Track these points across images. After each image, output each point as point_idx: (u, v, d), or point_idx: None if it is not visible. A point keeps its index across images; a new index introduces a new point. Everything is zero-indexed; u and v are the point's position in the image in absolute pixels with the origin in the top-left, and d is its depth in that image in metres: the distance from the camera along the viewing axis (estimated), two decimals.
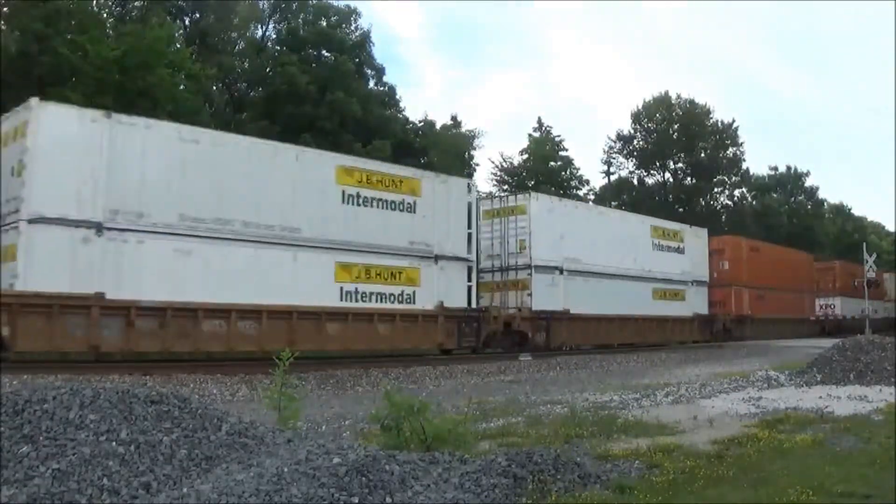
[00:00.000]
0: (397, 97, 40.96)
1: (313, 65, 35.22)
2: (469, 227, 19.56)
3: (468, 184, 20.55)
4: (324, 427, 8.45)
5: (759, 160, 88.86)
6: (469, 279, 19.43)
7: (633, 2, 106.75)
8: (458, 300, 19.03)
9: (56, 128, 13.10)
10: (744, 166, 60.19)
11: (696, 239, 29.47)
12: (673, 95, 58.52)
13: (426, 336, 18.33)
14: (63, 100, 18.62)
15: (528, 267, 21.66)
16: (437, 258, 18.55)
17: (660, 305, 26.48)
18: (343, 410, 10.14)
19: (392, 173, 18.31)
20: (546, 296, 21.70)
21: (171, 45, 27.18)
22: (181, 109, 25.40)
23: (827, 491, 4.99)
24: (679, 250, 28.03)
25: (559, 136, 54.48)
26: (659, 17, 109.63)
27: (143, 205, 13.85)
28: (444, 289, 18.66)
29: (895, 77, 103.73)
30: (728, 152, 58.70)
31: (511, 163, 52.94)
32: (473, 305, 19.51)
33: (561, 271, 22.41)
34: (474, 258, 19.64)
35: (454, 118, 46.85)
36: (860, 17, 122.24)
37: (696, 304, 28.53)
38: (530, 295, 21.51)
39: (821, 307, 44.15)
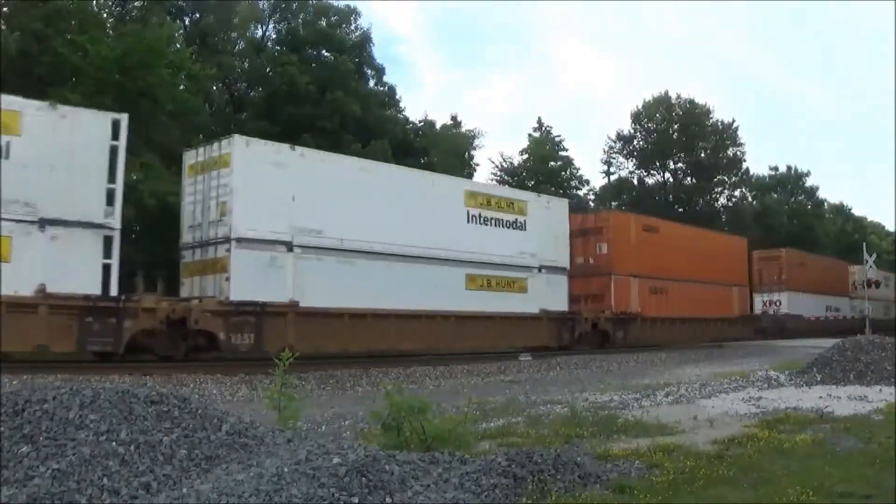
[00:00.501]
0: (397, 97, 41.00)
1: (313, 65, 35.21)
2: (112, 180, 14.36)
3: (114, 121, 14.56)
4: (324, 427, 8.46)
5: (759, 160, 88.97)
6: (108, 255, 14.24)
7: (633, 2, 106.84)
8: (82, 284, 13.79)
9: None
10: (744, 166, 60.18)
11: (546, 212, 22.66)
12: (673, 95, 58.49)
13: (18, 335, 12.71)
14: (62, 100, 18.63)
15: (228, 240, 15.64)
16: (42, 223, 13.50)
17: (481, 298, 19.89)
18: (343, 410, 10.16)
19: None
20: (260, 281, 15.79)
21: (171, 45, 27.16)
22: (181, 109, 25.40)
23: (827, 491, 4.99)
24: (517, 225, 21.35)
25: (559, 136, 54.50)
26: (659, 17, 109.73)
27: None
28: (53, 268, 13.42)
29: (895, 77, 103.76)
30: (728, 152, 58.64)
31: (511, 163, 52.94)
32: (113, 293, 14.20)
33: (290, 247, 16.27)
34: (117, 223, 14.39)
35: (454, 118, 46.87)
36: (860, 17, 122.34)
37: (546, 297, 21.81)
38: (228, 279, 15.57)
39: (764, 304, 38.01)
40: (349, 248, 17.20)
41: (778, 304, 38.15)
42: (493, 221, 20.79)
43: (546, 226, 22.31)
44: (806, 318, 38.12)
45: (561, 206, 24.13)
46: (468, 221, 20.10)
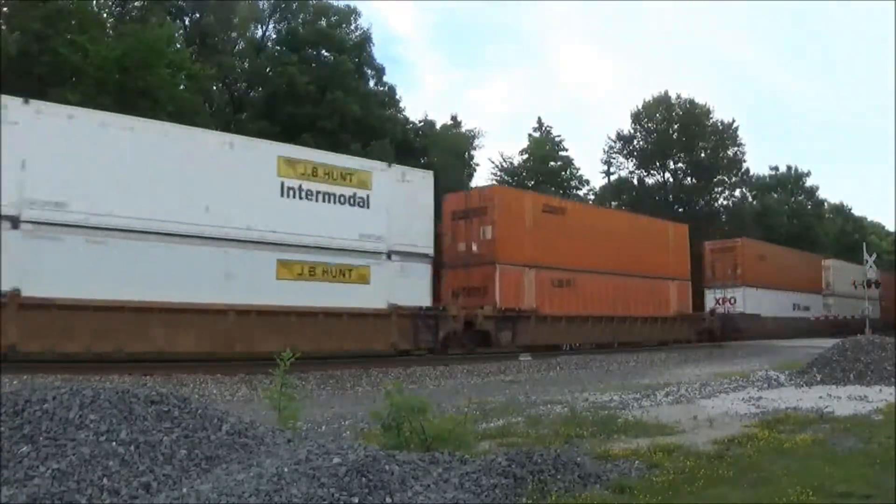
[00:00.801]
0: (397, 97, 41.06)
1: (313, 65, 35.25)
2: None
3: None
4: (324, 427, 8.46)
5: (759, 160, 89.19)
6: None
7: (633, 2, 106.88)
8: None
9: None
10: (744, 166, 60.20)
11: (402, 186, 18.48)
12: (673, 95, 58.48)
13: None
14: (63, 100, 18.66)
15: None
16: None
17: (301, 289, 16.33)
18: (343, 410, 10.15)
19: None
20: None
21: (171, 45, 27.21)
22: (181, 109, 25.43)
23: (827, 491, 4.99)
24: (357, 201, 17.52)
25: (559, 136, 54.60)
26: (659, 17, 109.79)
27: None
28: None
29: (895, 77, 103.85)
30: (728, 152, 58.66)
31: (511, 163, 52.99)
32: None
33: (15, 223, 13.21)
34: None
35: (454, 118, 47.03)
36: (860, 17, 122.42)
37: (398, 289, 18.00)
38: None
39: (716, 301, 33.88)
40: (104, 225, 13.91)
41: (732, 301, 33.70)
42: (320, 196, 16.94)
43: (401, 203, 18.27)
44: (765, 318, 33.76)
45: (422, 179, 19.43)
46: (284, 195, 16.41)
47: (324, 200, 17.02)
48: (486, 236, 21.10)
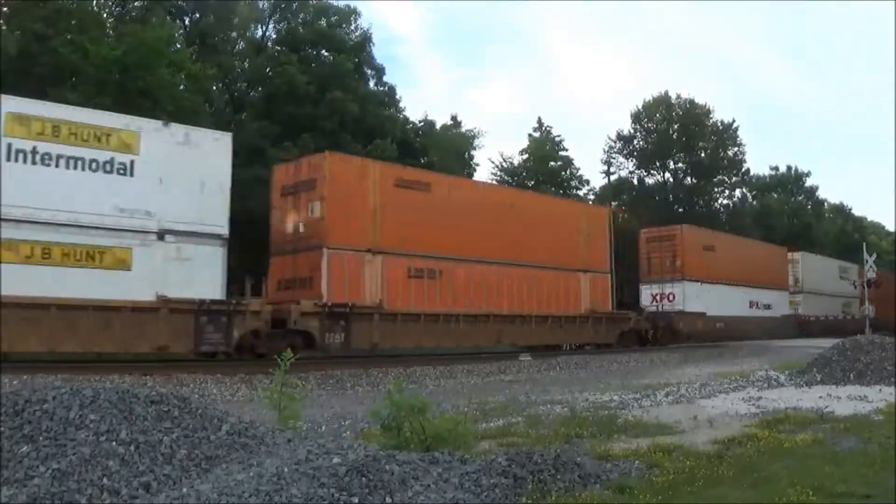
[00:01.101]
0: (397, 97, 41.01)
1: (313, 65, 35.23)
2: None
3: None
4: (324, 427, 8.46)
5: (759, 160, 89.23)
6: None
7: (632, 2, 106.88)
8: None
9: None
10: (744, 166, 60.20)
11: (181, 149, 15.09)
12: (673, 95, 58.47)
13: None
14: (63, 100, 18.68)
15: None
16: None
17: (35, 276, 13.11)
18: (343, 410, 10.15)
19: None
20: None
21: (171, 45, 27.20)
22: (181, 109, 25.42)
23: (827, 491, 4.99)
24: (116, 167, 14.24)
25: (559, 136, 54.51)
26: (659, 17, 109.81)
27: None
28: None
29: (895, 77, 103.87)
30: (728, 152, 58.67)
31: (511, 163, 52.94)
32: None
33: None
34: None
35: (454, 118, 46.92)
36: (860, 17, 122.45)
37: (173, 278, 14.58)
38: None
39: (652, 297, 29.36)
40: None
41: (671, 297, 29.11)
42: (63, 161, 13.71)
43: (183, 171, 14.97)
44: (712, 317, 29.64)
45: (215, 142, 15.78)
46: (10, 158, 13.22)
47: (68, 166, 13.78)
48: (313, 214, 17.26)
